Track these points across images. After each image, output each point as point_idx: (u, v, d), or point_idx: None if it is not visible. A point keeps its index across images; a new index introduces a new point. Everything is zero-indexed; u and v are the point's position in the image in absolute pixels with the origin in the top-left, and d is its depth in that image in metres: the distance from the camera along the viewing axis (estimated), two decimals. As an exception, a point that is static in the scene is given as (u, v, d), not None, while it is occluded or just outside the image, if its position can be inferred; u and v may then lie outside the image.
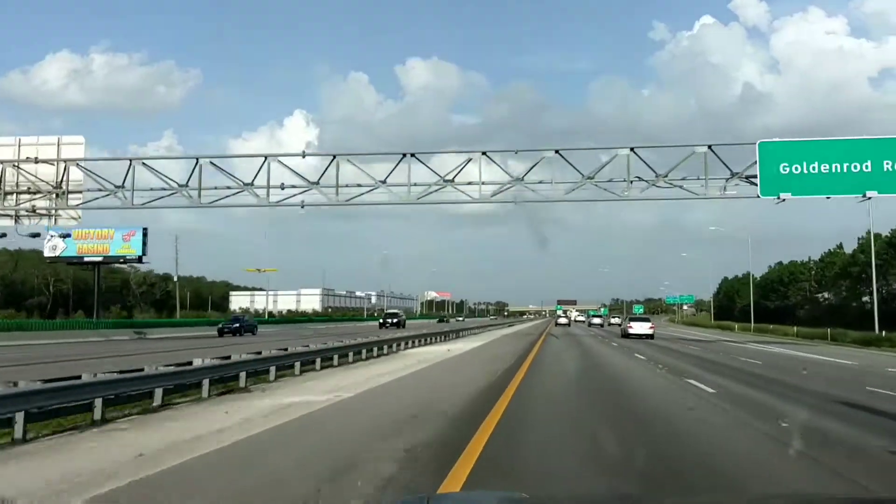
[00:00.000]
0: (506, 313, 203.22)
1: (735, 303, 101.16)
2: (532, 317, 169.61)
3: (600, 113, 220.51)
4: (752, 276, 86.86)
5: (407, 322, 65.87)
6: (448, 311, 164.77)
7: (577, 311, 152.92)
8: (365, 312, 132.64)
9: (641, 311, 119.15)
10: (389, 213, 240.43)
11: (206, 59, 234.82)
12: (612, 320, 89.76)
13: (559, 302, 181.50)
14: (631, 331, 44.47)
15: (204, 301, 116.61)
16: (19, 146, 31.82)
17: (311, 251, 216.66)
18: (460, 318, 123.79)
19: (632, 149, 28.25)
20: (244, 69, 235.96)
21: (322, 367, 17.99)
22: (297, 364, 16.81)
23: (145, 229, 58.38)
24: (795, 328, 60.65)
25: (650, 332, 43.72)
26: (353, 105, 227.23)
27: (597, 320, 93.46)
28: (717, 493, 5.64)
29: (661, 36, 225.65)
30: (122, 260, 63.40)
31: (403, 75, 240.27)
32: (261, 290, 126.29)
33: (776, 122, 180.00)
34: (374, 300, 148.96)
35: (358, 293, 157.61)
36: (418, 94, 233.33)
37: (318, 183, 29.64)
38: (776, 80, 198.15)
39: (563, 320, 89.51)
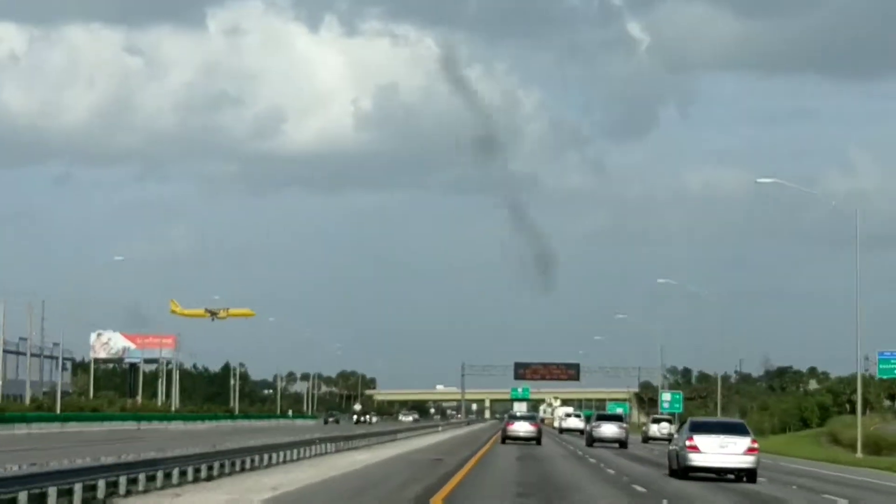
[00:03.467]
0: (355, 412, 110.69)
1: None
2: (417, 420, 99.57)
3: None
4: None
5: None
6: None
7: (564, 407, 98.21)
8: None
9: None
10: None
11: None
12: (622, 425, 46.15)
13: (519, 374, 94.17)
14: (597, 434, 41.64)
15: None
16: None
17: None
18: None
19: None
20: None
21: None
22: None
23: None
24: None
25: (621, 436, 41.57)
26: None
27: (575, 422, 63.67)
28: None
29: None
30: None
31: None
32: None
33: None
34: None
35: None
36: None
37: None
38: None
39: (522, 430, 43.95)
